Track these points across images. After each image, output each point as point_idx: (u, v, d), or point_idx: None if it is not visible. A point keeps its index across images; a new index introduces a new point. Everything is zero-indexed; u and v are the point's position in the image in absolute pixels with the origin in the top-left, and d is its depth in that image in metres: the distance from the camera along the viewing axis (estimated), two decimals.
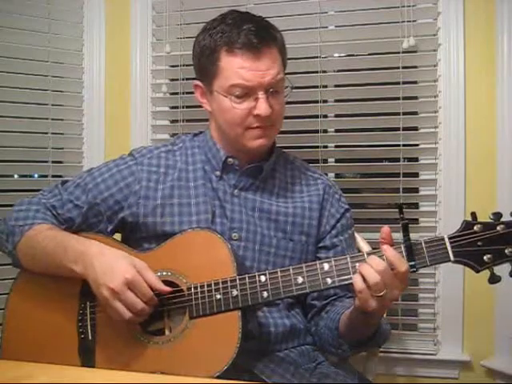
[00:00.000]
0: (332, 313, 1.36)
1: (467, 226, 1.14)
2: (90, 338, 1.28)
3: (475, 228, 1.13)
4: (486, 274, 1.13)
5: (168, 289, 1.22)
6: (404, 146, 2.02)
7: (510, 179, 1.88)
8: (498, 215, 1.13)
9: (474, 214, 1.15)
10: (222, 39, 1.32)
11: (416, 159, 2.08)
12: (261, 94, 1.31)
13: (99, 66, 2.28)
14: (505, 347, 1.89)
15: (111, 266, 1.21)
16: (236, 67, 1.30)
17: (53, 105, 2.24)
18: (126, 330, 1.23)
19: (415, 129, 2.06)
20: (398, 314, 2.01)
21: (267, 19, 1.41)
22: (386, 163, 2.09)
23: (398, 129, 2.01)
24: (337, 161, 2.14)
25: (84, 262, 1.24)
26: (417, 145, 2.07)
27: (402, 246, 1.15)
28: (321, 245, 1.45)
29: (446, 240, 1.14)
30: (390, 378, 2.01)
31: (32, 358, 1.25)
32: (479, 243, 1.12)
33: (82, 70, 2.28)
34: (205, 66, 1.36)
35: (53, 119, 2.24)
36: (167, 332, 1.25)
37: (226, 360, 1.15)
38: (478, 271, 1.13)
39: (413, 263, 1.14)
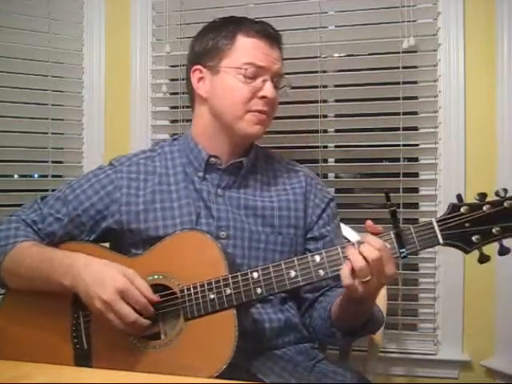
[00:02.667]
0: (324, 302, 1.37)
1: (454, 208, 1.15)
2: (85, 347, 1.27)
3: (462, 210, 1.14)
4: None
5: (157, 298, 1.22)
6: (404, 146, 2.01)
7: (510, 179, 1.87)
8: (483, 196, 1.14)
9: (459, 196, 1.16)
10: (239, 25, 1.39)
11: (416, 159, 2.08)
12: (268, 78, 1.37)
13: (99, 65, 2.28)
14: (505, 347, 1.89)
15: (101, 276, 1.20)
16: (251, 47, 1.37)
17: (53, 105, 2.24)
18: (121, 337, 1.22)
19: (415, 129, 2.06)
20: (398, 314, 2.01)
21: (267, 19, 1.45)
22: (386, 163, 2.09)
23: (398, 129, 2.01)
24: (337, 161, 2.14)
25: (72, 274, 1.23)
26: (417, 145, 2.07)
27: (392, 232, 1.16)
28: (309, 236, 1.45)
29: (435, 224, 1.15)
30: (390, 378, 2.01)
31: None
32: (467, 224, 1.13)
33: (82, 69, 2.28)
34: (215, 46, 1.39)
35: (53, 119, 2.24)
36: (163, 336, 1.24)
37: (224, 359, 1.15)
38: (467, 252, 1.14)
39: (403, 249, 1.15)
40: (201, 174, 1.41)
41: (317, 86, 2.07)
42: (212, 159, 1.41)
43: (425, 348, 2.00)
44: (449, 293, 1.97)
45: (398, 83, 2.01)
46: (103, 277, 1.20)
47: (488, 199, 1.13)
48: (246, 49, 1.37)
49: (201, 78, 1.42)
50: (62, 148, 2.29)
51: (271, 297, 1.36)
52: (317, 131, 2.07)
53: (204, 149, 1.42)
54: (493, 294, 1.89)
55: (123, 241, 1.38)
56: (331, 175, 2.14)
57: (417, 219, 2.03)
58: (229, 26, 1.40)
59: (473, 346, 1.95)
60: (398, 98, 2.01)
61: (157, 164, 1.44)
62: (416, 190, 2.07)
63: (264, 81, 1.36)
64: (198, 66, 1.42)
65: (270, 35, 1.39)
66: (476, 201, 1.14)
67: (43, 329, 1.30)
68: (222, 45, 1.38)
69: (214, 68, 1.39)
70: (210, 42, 1.41)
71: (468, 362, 1.95)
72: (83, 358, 1.27)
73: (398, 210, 1.17)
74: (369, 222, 1.19)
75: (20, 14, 2.18)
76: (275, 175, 1.49)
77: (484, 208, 1.13)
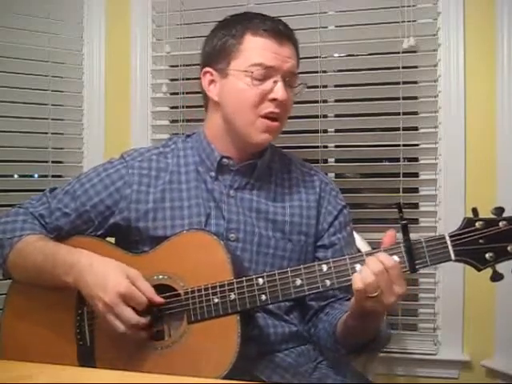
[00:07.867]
0: (331, 316, 1.34)
1: (468, 223, 1.10)
2: (88, 344, 1.27)
3: (477, 225, 1.09)
4: (486, 273, 1.12)
5: (161, 300, 1.21)
6: (404, 145, 2.01)
7: (510, 179, 1.88)
8: (499, 210, 1.09)
9: (475, 210, 1.10)
10: (248, 24, 1.34)
11: (416, 159, 2.08)
12: (279, 79, 1.31)
13: (99, 65, 2.28)
14: (505, 347, 1.89)
15: (103, 277, 1.19)
16: (259, 47, 1.32)
17: (53, 105, 2.24)
18: (124, 336, 1.21)
19: (415, 129, 2.06)
20: (397, 314, 2.01)
21: None
22: (386, 163, 2.09)
23: (398, 129, 2.01)
24: (337, 161, 2.14)
25: (75, 273, 1.23)
26: (417, 145, 2.07)
27: (402, 245, 1.12)
28: (319, 243, 1.42)
29: (447, 238, 1.10)
30: (390, 378, 2.01)
31: None
32: (481, 241, 1.08)
33: (82, 69, 2.28)
34: (223, 47, 1.35)
35: (53, 119, 2.24)
36: (166, 337, 1.24)
37: (225, 365, 1.14)
38: (479, 270, 1.10)
39: (413, 263, 1.11)
40: (213, 173, 1.38)
41: (317, 86, 2.07)
42: (224, 160, 1.38)
43: (425, 348, 2.00)
44: (449, 293, 1.97)
45: (398, 83, 2.01)
46: (106, 279, 1.19)
47: (505, 215, 1.08)
48: (254, 49, 1.32)
49: (211, 81, 1.38)
50: (62, 148, 2.29)
51: (277, 311, 1.35)
52: (317, 131, 2.07)
53: (216, 149, 1.39)
54: (493, 294, 1.89)
55: (130, 237, 1.37)
56: (331, 175, 2.14)
57: (417, 219, 2.04)
58: (237, 25, 1.35)
59: (473, 346, 1.95)
60: (398, 98, 2.01)
61: (169, 161, 1.41)
62: (416, 190, 2.07)
63: (275, 82, 1.31)
64: (208, 69, 1.38)
65: (280, 33, 1.33)
66: (492, 215, 1.09)
67: (48, 324, 1.30)
68: (231, 45, 1.34)
69: (223, 71, 1.34)
70: (219, 42, 1.36)
71: (468, 362, 1.95)
72: (86, 355, 1.27)
73: (410, 224, 1.13)
74: (390, 234, 1.15)
75: (20, 14, 2.18)
76: (290, 178, 1.45)
77: (500, 224, 1.07)
